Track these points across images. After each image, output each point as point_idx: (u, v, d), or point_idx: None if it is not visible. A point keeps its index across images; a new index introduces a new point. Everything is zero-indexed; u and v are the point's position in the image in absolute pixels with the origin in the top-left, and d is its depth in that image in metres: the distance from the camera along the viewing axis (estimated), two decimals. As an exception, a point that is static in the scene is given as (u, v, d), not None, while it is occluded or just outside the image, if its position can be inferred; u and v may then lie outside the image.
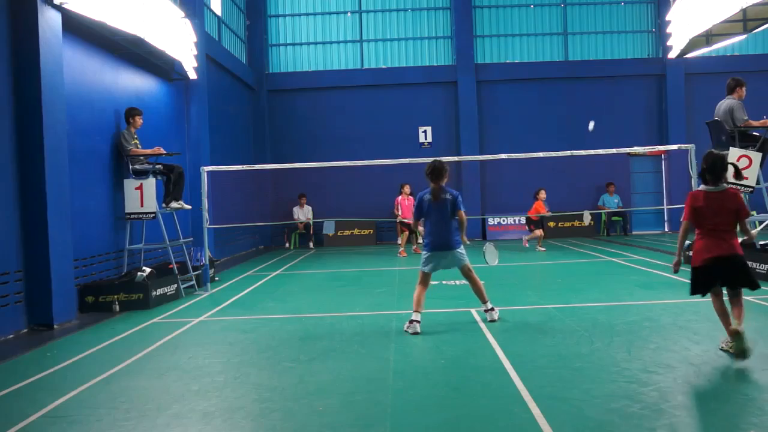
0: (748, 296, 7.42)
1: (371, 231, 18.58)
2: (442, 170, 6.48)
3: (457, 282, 9.14)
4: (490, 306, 6.69)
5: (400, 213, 14.99)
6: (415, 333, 6.22)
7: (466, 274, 6.65)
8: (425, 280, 6.58)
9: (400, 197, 15.08)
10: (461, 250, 6.58)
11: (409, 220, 14.79)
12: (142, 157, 9.38)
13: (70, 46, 8.28)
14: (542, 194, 14.84)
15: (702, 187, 5.12)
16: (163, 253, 10.45)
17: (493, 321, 6.56)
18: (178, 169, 9.80)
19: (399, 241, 14.86)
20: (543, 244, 14.66)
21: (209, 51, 13.92)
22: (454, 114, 19.21)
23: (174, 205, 9.69)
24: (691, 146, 10.39)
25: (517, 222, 18.24)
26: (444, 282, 9.29)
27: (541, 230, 14.80)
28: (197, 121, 12.79)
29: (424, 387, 4.48)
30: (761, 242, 9.55)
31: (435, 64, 19.55)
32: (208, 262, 10.07)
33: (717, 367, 4.63)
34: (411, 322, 6.31)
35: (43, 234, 7.14)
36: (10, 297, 6.89)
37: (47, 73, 7.24)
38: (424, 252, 6.57)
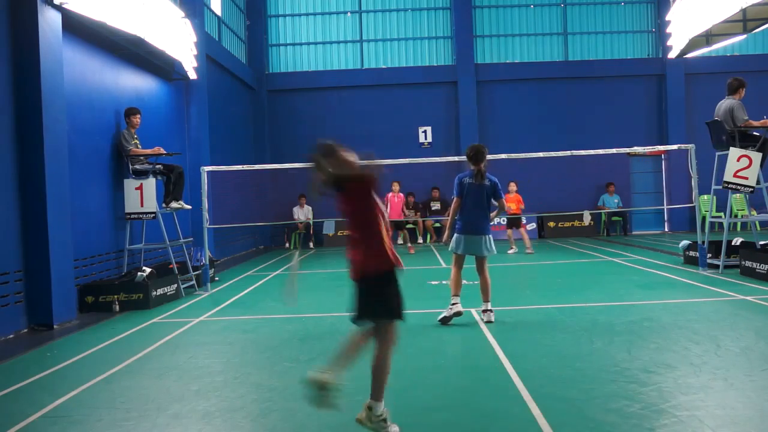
0: (747, 296, 7.45)
1: (371, 231, 18.54)
2: (484, 152, 6.55)
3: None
4: (489, 307, 6.68)
5: (388, 211, 14.75)
6: (458, 314, 6.41)
7: (480, 266, 6.67)
8: (458, 261, 6.68)
9: (390, 194, 14.90)
10: (491, 239, 6.63)
11: (394, 215, 14.58)
12: (142, 157, 9.38)
13: (70, 46, 8.27)
14: (510, 186, 14.04)
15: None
16: (163, 253, 10.45)
17: (489, 322, 6.57)
18: (178, 169, 9.80)
19: (400, 241, 14.83)
20: (531, 246, 13.85)
21: (209, 51, 13.91)
22: (454, 114, 19.20)
23: (174, 205, 9.69)
24: (691, 146, 10.40)
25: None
26: (444, 282, 9.28)
27: (510, 230, 14.18)
28: (197, 121, 12.79)
29: (424, 387, 4.47)
30: (761, 242, 9.55)
31: (435, 64, 19.55)
32: (208, 262, 10.07)
33: (718, 367, 4.63)
34: (452, 305, 6.49)
35: (43, 234, 7.13)
36: (10, 297, 6.88)
37: (47, 73, 7.23)
38: (456, 234, 6.66)
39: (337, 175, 3.46)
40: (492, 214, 6.71)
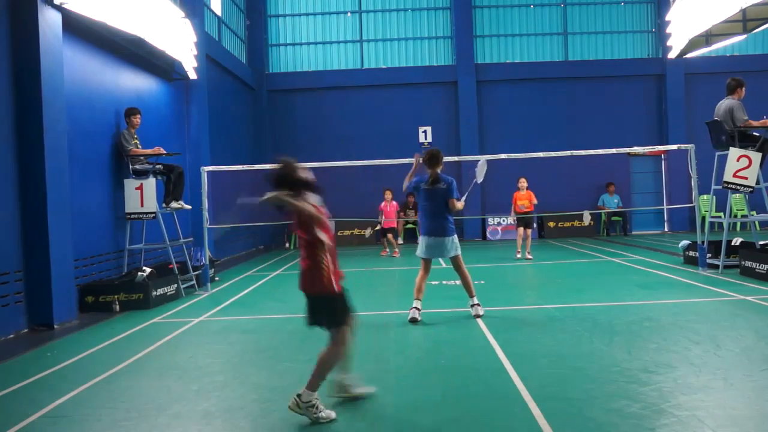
0: (747, 296, 7.45)
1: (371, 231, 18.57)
2: (438, 157, 6.78)
3: (457, 282, 9.14)
4: (476, 301, 6.88)
5: (383, 220, 14.41)
6: (414, 320, 6.51)
7: (457, 265, 6.85)
8: (425, 266, 6.87)
9: (383, 203, 14.54)
10: (455, 239, 6.77)
11: (389, 221, 14.40)
12: (142, 157, 9.38)
13: (70, 46, 8.27)
14: (520, 182, 12.93)
15: None
16: (163, 253, 10.45)
17: (477, 316, 6.74)
18: (178, 169, 9.80)
19: (385, 247, 14.64)
20: (532, 251, 12.80)
21: (209, 51, 13.91)
22: (454, 114, 19.21)
23: (174, 205, 9.69)
24: (691, 146, 10.39)
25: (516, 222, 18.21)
26: (444, 282, 9.29)
27: (522, 229, 12.70)
28: (197, 121, 12.79)
29: (425, 387, 4.47)
30: (761, 242, 9.55)
31: (435, 64, 19.55)
32: (208, 262, 10.07)
33: (718, 367, 4.63)
34: (411, 309, 6.62)
35: (43, 234, 7.13)
36: (10, 297, 6.88)
37: (47, 73, 7.23)
38: (420, 238, 6.90)
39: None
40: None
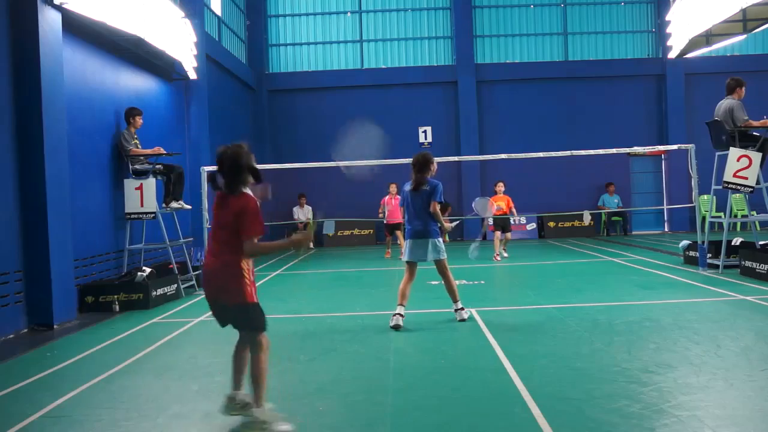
0: (747, 296, 7.45)
1: (371, 231, 18.59)
2: (425, 162, 6.67)
3: (456, 282, 9.14)
4: (460, 306, 6.76)
5: (386, 214, 14.04)
6: (396, 327, 6.31)
7: (441, 270, 6.72)
8: (409, 269, 6.77)
9: (387, 197, 14.18)
10: (439, 242, 6.66)
11: (393, 220, 14.14)
12: (142, 157, 9.38)
13: (70, 46, 8.27)
14: (498, 187, 13.06)
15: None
16: (163, 253, 10.45)
17: (462, 320, 6.62)
18: (178, 169, 9.81)
19: (389, 247, 14.44)
20: (506, 250, 13.19)
21: (209, 51, 13.92)
22: (454, 114, 19.21)
23: (174, 205, 9.69)
24: (691, 146, 10.40)
25: (517, 222, 18.23)
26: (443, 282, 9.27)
27: (498, 232, 12.81)
28: (197, 121, 12.79)
29: (424, 387, 4.47)
30: (761, 242, 9.55)
31: (435, 64, 19.56)
32: (208, 262, 10.04)
33: (718, 367, 4.63)
34: (394, 315, 6.43)
35: (43, 234, 7.13)
36: (10, 297, 6.88)
37: (47, 73, 7.23)
38: (405, 242, 6.83)
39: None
40: (440, 224, 6.71)
